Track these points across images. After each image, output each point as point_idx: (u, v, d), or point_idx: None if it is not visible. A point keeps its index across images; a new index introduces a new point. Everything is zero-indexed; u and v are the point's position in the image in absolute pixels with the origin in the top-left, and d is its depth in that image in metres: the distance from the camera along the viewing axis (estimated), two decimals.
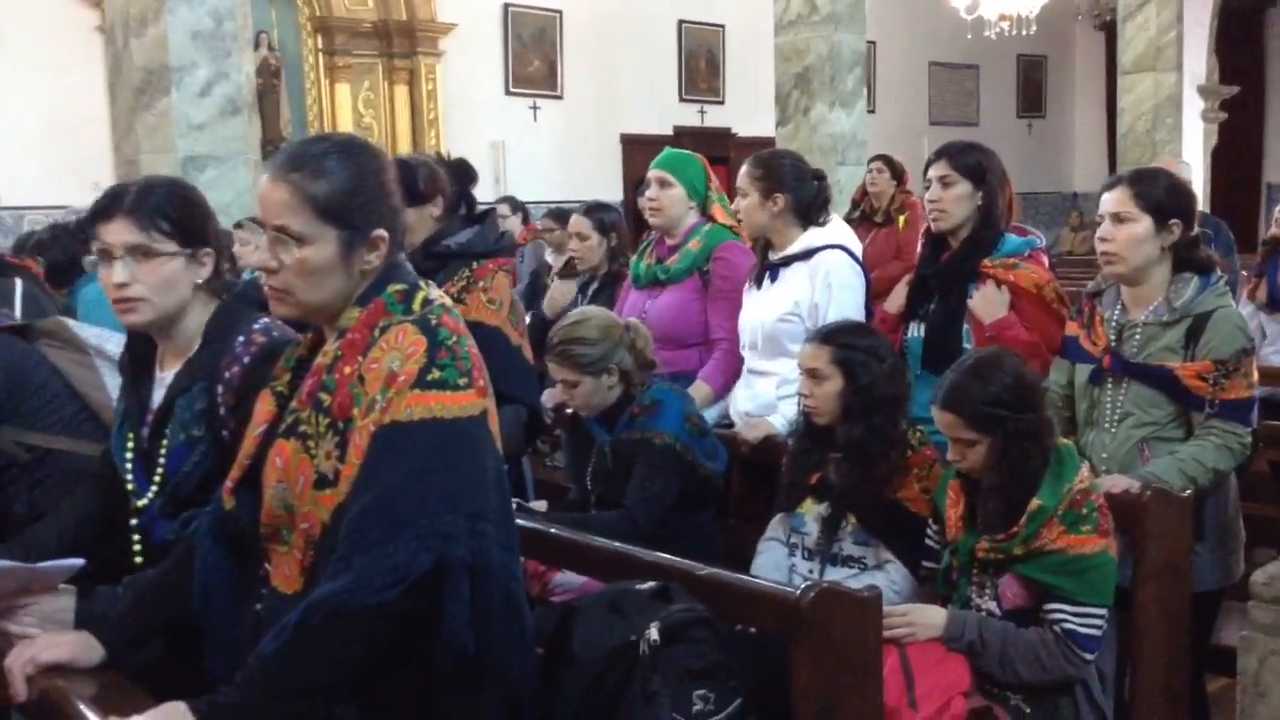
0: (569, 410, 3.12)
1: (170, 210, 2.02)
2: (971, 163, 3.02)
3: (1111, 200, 2.74)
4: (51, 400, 2.38)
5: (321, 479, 1.64)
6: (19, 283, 2.90)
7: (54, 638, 1.79)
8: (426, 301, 1.71)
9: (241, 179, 5.59)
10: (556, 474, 3.86)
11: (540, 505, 3.09)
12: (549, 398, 3.38)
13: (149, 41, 5.45)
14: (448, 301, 1.75)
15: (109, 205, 2.02)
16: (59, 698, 1.67)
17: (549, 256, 6.64)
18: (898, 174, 6.22)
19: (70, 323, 2.54)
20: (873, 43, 10.15)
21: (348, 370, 1.66)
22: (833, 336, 2.66)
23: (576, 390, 2.92)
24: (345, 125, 10.17)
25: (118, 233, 1.99)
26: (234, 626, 1.76)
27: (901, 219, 6.13)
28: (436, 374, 1.63)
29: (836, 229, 3.37)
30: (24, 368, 2.36)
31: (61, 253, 4.46)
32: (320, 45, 10.41)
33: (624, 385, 2.94)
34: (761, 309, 3.31)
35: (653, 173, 3.69)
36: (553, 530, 2.46)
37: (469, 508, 1.61)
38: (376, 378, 1.62)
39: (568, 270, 4.63)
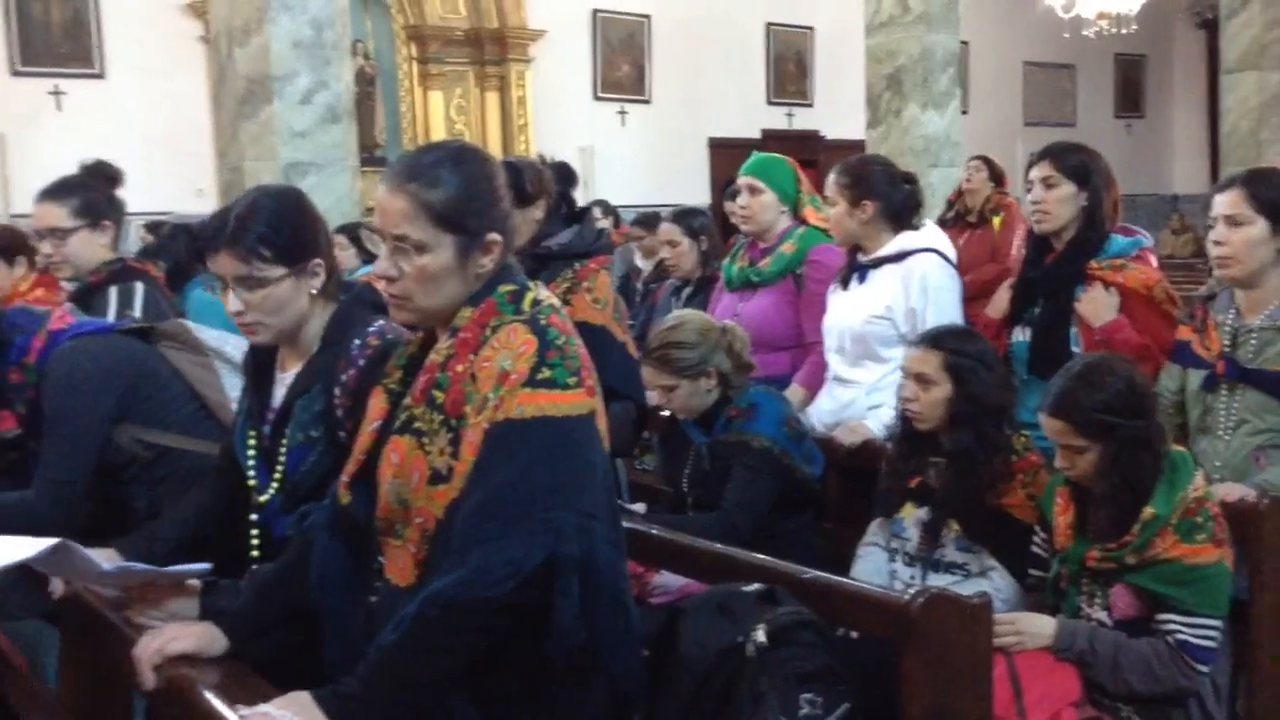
0: (664, 413, 3.12)
1: (271, 234, 2.01)
2: (1075, 163, 2.97)
3: (1225, 202, 2.67)
4: (172, 400, 2.46)
5: (436, 475, 1.67)
6: (139, 286, 3.03)
7: (180, 629, 1.84)
8: (535, 302, 1.74)
9: (340, 185, 5.72)
10: (646, 476, 3.87)
11: (639, 507, 3.10)
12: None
13: (252, 51, 5.60)
14: (556, 301, 1.78)
15: (213, 237, 2.04)
16: (185, 686, 1.72)
17: (639, 261, 6.68)
18: (996, 175, 6.11)
19: (190, 325, 2.63)
20: (965, 43, 10.00)
21: (460, 368, 1.69)
22: (942, 341, 2.62)
23: (675, 394, 2.93)
24: (438, 132, 10.35)
25: (223, 265, 2.03)
26: (350, 618, 1.80)
27: (996, 220, 6.03)
28: (547, 373, 1.65)
29: (930, 233, 3.31)
30: (146, 368, 2.46)
31: (172, 258, 4.61)
32: (414, 53, 10.61)
33: (722, 388, 2.94)
34: (849, 310, 3.26)
35: (742, 179, 3.62)
36: (655, 531, 2.47)
37: (579, 505, 1.64)
38: (489, 376, 1.65)
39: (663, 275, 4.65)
